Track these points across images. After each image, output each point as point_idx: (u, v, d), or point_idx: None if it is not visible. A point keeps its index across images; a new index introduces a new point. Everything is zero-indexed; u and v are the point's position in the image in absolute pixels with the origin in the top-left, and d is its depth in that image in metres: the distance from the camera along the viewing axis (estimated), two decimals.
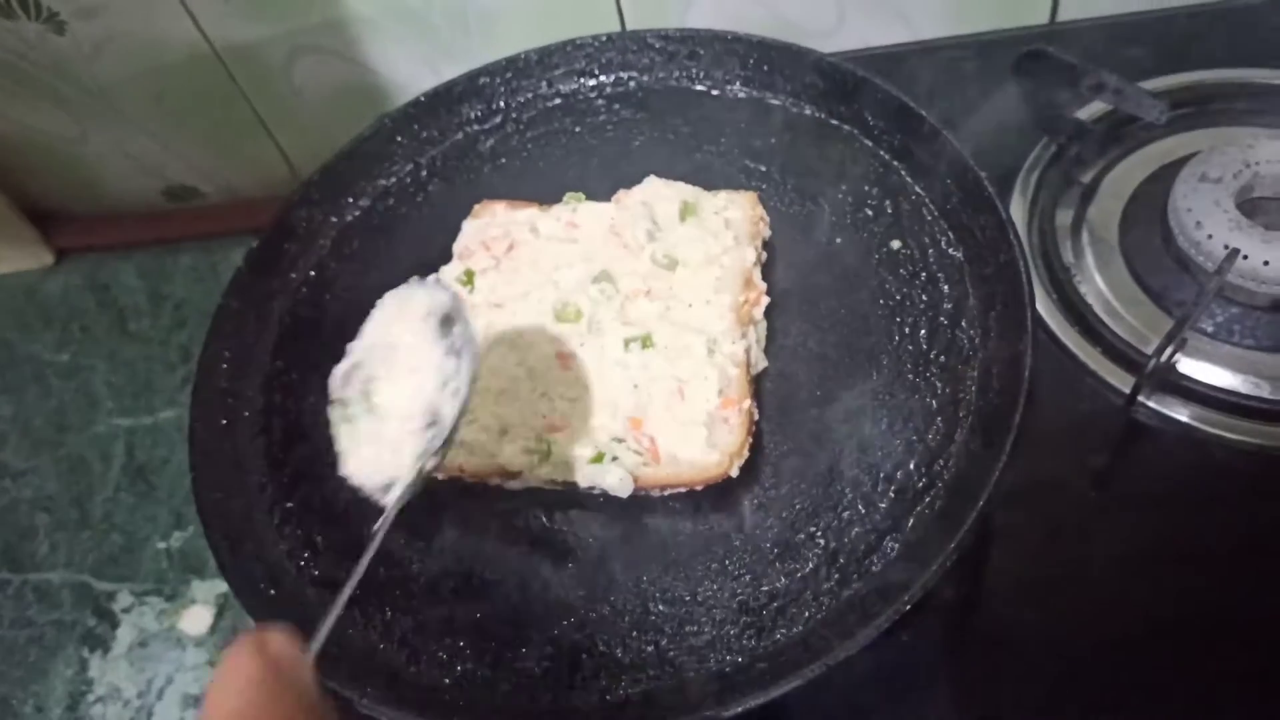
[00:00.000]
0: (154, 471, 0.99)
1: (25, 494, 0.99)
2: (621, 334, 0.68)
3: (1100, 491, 0.72)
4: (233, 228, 1.15)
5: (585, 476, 0.64)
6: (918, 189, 0.76)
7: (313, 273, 0.80)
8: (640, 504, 0.65)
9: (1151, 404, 0.73)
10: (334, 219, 0.83)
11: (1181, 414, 0.72)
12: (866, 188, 0.77)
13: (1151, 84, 0.86)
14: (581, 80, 0.88)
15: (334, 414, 0.55)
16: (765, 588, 0.61)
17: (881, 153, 0.78)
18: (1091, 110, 0.87)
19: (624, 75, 0.87)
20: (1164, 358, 0.70)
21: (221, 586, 0.90)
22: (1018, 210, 0.83)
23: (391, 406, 0.54)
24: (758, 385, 0.68)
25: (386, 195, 0.85)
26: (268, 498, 0.69)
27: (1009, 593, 0.70)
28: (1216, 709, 0.63)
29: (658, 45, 0.86)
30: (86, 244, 1.18)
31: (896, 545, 0.61)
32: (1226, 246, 0.74)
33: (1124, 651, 0.65)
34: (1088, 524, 0.70)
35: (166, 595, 0.90)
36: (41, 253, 1.17)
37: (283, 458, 0.71)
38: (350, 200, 0.84)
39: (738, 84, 0.85)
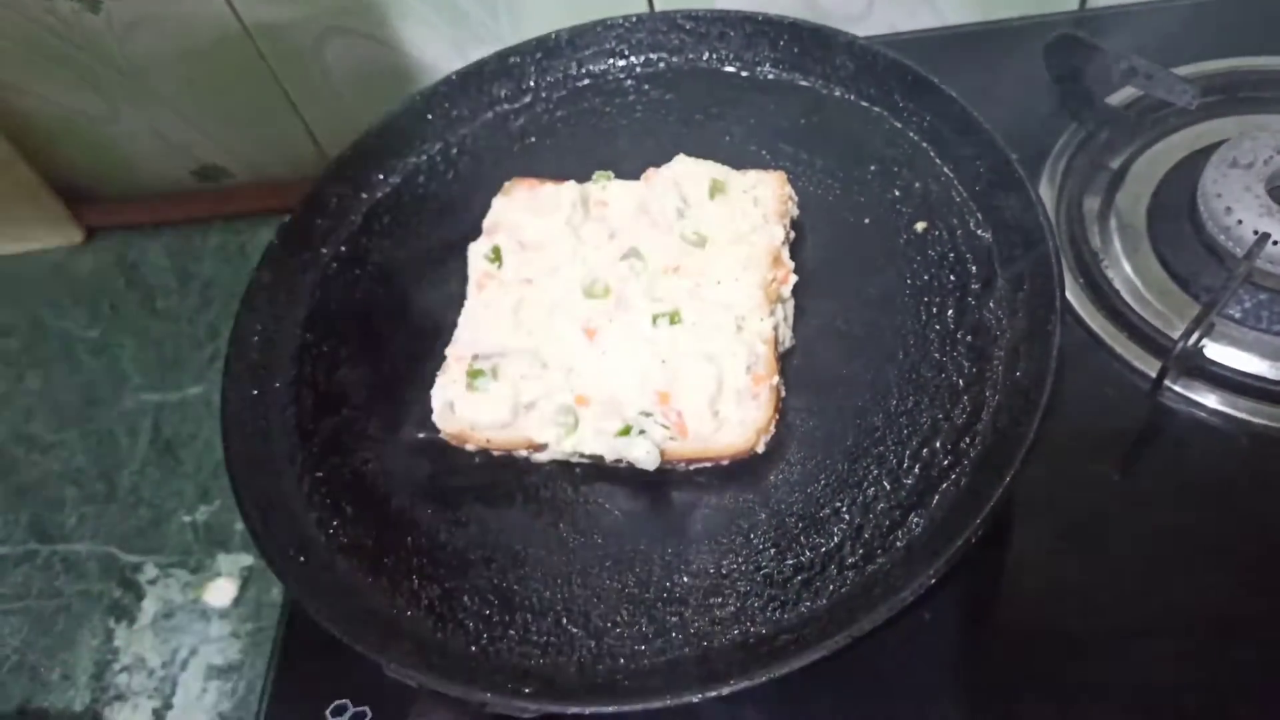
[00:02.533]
0: (181, 446, 1.00)
1: (54, 467, 1.01)
2: (650, 310, 0.68)
3: (1125, 475, 0.72)
4: (260, 208, 1.16)
5: (612, 449, 0.64)
6: (946, 170, 0.76)
7: (344, 248, 0.81)
8: (666, 477, 0.65)
9: (1178, 389, 0.73)
10: (365, 195, 0.83)
11: (1208, 399, 0.72)
12: (895, 169, 0.77)
13: (1181, 70, 0.86)
14: (611, 61, 0.88)
15: None
16: (790, 561, 0.61)
17: (910, 134, 0.78)
18: (1121, 96, 0.87)
19: (654, 56, 0.88)
20: (1191, 342, 0.70)
21: (246, 560, 0.91)
22: (1046, 195, 0.83)
23: None
24: (785, 362, 0.69)
25: (417, 173, 0.85)
26: (298, 468, 0.70)
27: (1031, 576, 0.70)
28: (1241, 701, 0.62)
29: (688, 26, 0.86)
30: (116, 222, 1.20)
31: (921, 521, 0.61)
32: (1256, 232, 0.73)
33: (1146, 639, 0.65)
34: (1112, 507, 0.70)
35: (191, 568, 0.92)
36: (71, 231, 1.19)
37: (312, 429, 0.71)
38: (381, 177, 0.84)
39: (767, 65, 0.85)
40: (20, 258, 1.19)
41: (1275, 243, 0.73)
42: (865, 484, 0.63)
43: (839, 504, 0.63)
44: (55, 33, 1.02)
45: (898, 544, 0.60)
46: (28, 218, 1.17)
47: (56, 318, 1.13)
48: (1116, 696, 0.63)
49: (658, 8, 0.99)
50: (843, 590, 0.59)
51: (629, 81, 0.87)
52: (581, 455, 0.66)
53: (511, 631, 0.61)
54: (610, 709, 0.56)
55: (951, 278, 0.71)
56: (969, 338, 0.68)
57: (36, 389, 1.07)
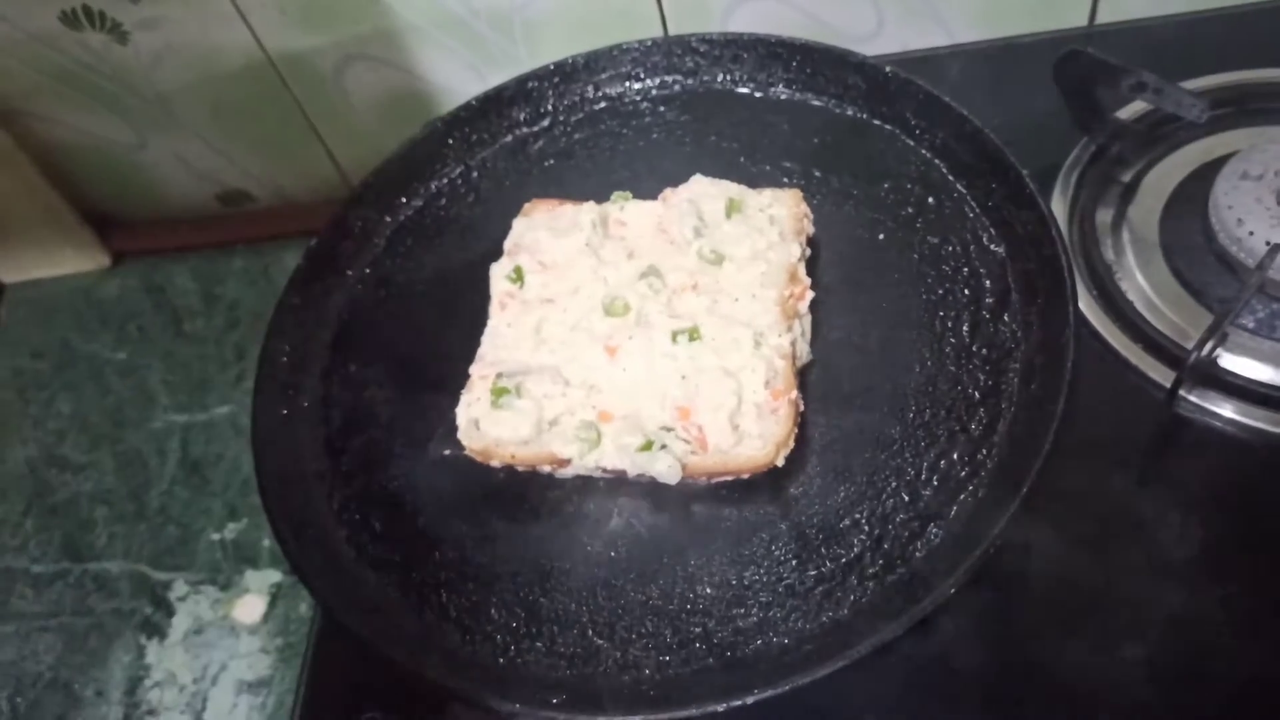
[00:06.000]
0: (208, 466, 1.02)
1: (85, 487, 1.02)
2: (669, 327, 0.69)
3: (1142, 484, 0.72)
4: (283, 231, 1.18)
5: (634, 464, 0.66)
6: (959, 186, 0.77)
7: (368, 270, 0.83)
8: (688, 491, 0.67)
9: (1193, 398, 0.73)
10: (388, 218, 0.85)
11: (1224, 408, 0.73)
12: (908, 185, 0.78)
13: (1191, 84, 0.87)
14: (627, 84, 0.90)
15: None
16: (811, 572, 0.62)
17: (923, 151, 0.80)
18: (1132, 110, 0.88)
19: (669, 79, 0.89)
20: (1205, 352, 0.71)
21: (274, 576, 0.93)
22: (1058, 209, 0.84)
23: None
24: (803, 377, 0.70)
25: (439, 196, 0.87)
26: (327, 485, 0.71)
27: (1050, 585, 0.70)
28: (1263, 709, 0.63)
29: (702, 49, 0.88)
30: (143, 247, 1.22)
31: (940, 532, 0.62)
32: (1268, 243, 0.74)
33: (1166, 647, 0.65)
34: (1129, 516, 0.71)
35: (221, 585, 0.93)
36: (99, 255, 1.21)
37: (341, 447, 0.73)
38: (404, 200, 0.86)
39: (780, 86, 0.87)
40: (50, 282, 1.22)
41: None
42: (884, 495, 0.64)
43: (858, 515, 0.64)
44: (85, 64, 1.05)
45: (917, 554, 0.61)
46: (57, 243, 1.19)
47: (85, 341, 1.15)
48: (1134, 705, 0.64)
49: (672, 31, 1.01)
50: (863, 600, 0.60)
51: (645, 104, 0.89)
52: (604, 470, 0.67)
53: (539, 644, 0.62)
54: (637, 719, 0.57)
55: (966, 292, 0.72)
56: (984, 351, 0.69)
57: (67, 411, 1.09)
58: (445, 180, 0.88)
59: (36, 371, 1.13)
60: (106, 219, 1.23)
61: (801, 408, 0.68)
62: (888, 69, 0.81)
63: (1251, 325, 0.75)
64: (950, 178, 0.78)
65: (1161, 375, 0.74)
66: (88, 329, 1.16)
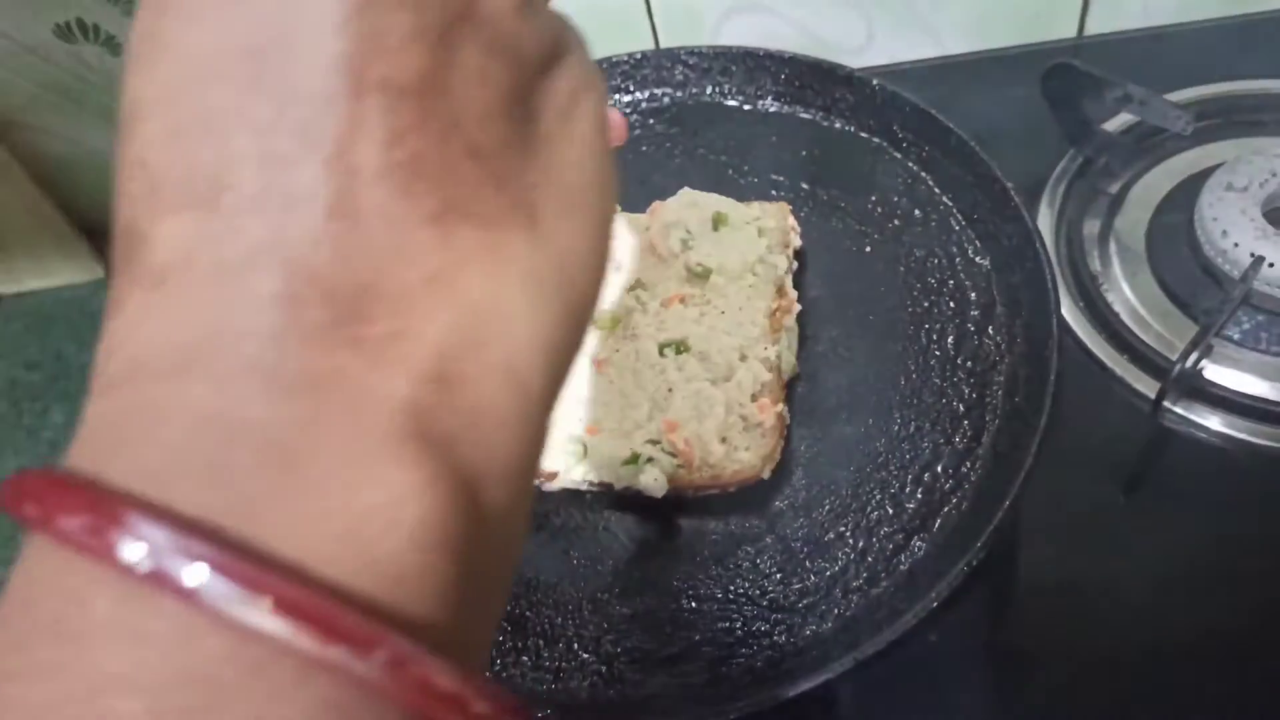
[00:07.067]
0: None
1: None
2: (657, 339, 0.70)
3: (1128, 495, 0.73)
4: None
5: (620, 478, 0.66)
6: (945, 199, 0.77)
7: None
8: (674, 504, 0.67)
9: (1179, 410, 0.73)
10: None
11: (1209, 420, 0.73)
12: (895, 198, 0.79)
13: (1177, 96, 0.87)
14: (617, 96, 0.90)
15: None
16: (796, 585, 0.62)
17: (910, 164, 0.80)
18: (1118, 122, 0.88)
19: (658, 91, 0.90)
20: (1189, 363, 0.71)
21: None
22: (1045, 221, 0.84)
23: None
24: (790, 389, 0.70)
25: None
26: None
27: (1037, 598, 0.70)
28: None
29: (691, 62, 0.88)
30: None
31: (924, 545, 0.62)
32: (1253, 254, 0.75)
33: (1151, 660, 0.65)
34: (1115, 528, 0.71)
35: None
36: (93, 266, 1.21)
37: None
38: None
39: (769, 99, 0.87)
40: (44, 294, 1.22)
41: (1271, 265, 0.74)
42: (869, 508, 0.65)
43: (843, 528, 0.64)
44: (79, 76, 1.06)
45: (901, 567, 0.62)
46: (51, 255, 1.20)
47: (80, 352, 1.16)
48: (1124, 716, 0.64)
49: (664, 43, 1.01)
50: (848, 614, 0.61)
51: (634, 116, 0.89)
52: (590, 483, 0.67)
53: (524, 658, 0.62)
54: None
55: (951, 304, 0.72)
56: (969, 363, 0.69)
57: (61, 423, 1.10)
58: None
59: (31, 383, 1.14)
60: (101, 230, 1.24)
61: (788, 420, 0.68)
62: (875, 82, 0.81)
63: (1236, 337, 0.75)
64: (936, 190, 0.78)
65: (1147, 386, 0.75)
66: (82, 340, 1.17)
